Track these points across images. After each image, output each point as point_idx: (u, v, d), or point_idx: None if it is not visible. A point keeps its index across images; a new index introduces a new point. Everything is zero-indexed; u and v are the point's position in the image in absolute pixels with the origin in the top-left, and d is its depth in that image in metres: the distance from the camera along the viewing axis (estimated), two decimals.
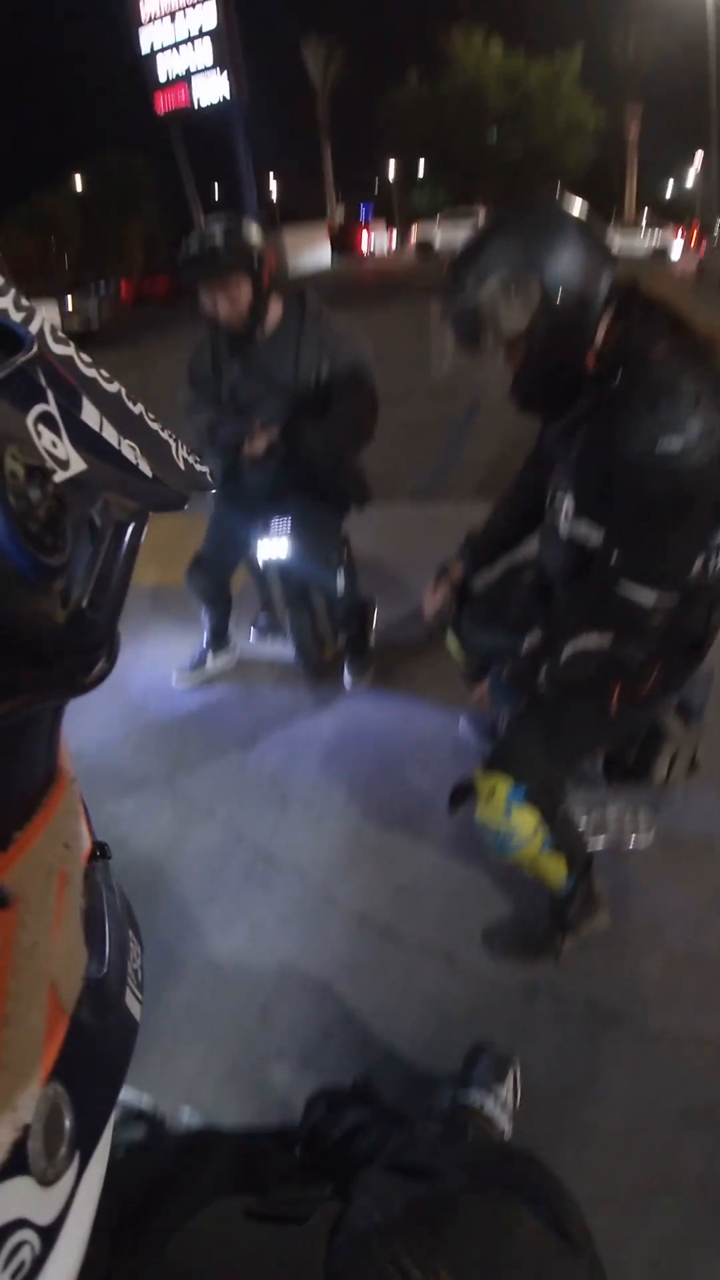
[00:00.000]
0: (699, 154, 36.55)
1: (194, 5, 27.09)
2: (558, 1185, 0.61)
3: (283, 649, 2.94)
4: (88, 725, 2.93)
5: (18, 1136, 0.25)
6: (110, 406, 0.38)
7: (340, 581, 2.58)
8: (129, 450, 0.37)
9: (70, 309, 16.16)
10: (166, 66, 28.51)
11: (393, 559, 3.73)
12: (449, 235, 26.06)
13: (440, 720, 2.61)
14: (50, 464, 0.27)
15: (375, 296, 15.78)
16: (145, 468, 0.39)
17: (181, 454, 0.47)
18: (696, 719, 1.80)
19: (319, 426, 2.28)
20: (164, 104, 29.17)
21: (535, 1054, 1.60)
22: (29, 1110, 0.26)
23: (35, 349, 0.29)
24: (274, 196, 43.98)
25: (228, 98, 28.25)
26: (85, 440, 0.32)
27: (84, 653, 0.28)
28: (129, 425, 0.39)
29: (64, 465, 0.29)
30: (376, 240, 32.76)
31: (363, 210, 43.25)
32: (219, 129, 30.82)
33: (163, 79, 28.82)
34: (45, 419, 0.28)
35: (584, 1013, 1.69)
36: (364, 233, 31.53)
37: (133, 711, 2.95)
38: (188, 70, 28.27)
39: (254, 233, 2.18)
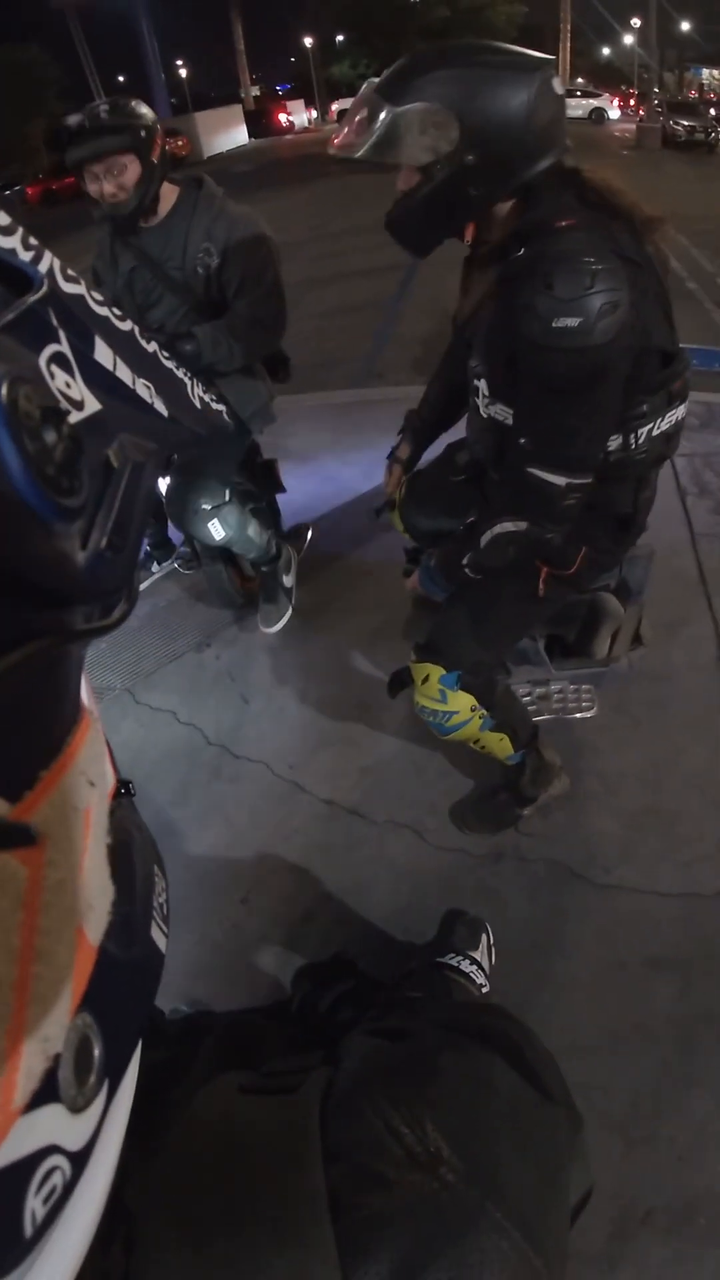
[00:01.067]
0: (636, 19, 34.23)
1: None
2: (530, 1037, 0.63)
3: None
4: None
5: (49, 1065, 0.26)
6: (123, 345, 0.37)
7: (221, 531, 2.29)
8: (144, 389, 0.38)
9: None
10: None
11: (331, 450, 3.63)
12: None
13: (381, 618, 2.61)
14: (65, 405, 0.27)
15: (297, 173, 14.96)
16: (160, 407, 0.39)
17: (197, 393, 0.47)
18: (636, 597, 1.81)
19: (203, 329, 2.08)
20: None
21: (505, 914, 1.68)
22: (59, 1040, 0.26)
23: (46, 288, 0.28)
24: (184, 78, 40.77)
25: None
26: (99, 380, 0.31)
27: (104, 594, 0.29)
28: (142, 364, 0.38)
29: (79, 406, 0.29)
30: (295, 118, 30.76)
31: (279, 90, 40.43)
32: (119, 11, 28.43)
33: None
34: (58, 359, 0.28)
35: (547, 873, 1.77)
36: (281, 113, 29.54)
37: None
38: None
39: (140, 107, 2.00)
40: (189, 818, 2.09)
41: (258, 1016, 0.95)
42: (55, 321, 0.29)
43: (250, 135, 27.06)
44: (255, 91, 38.21)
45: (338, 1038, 0.63)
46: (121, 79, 41.27)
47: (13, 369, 0.24)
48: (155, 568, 2.99)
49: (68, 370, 0.29)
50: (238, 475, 2.44)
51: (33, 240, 0.33)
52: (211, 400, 0.45)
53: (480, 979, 1.50)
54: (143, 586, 2.96)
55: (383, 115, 1.18)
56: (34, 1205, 0.25)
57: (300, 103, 35.51)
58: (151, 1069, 0.56)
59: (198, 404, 0.45)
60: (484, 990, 1.50)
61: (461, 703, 1.58)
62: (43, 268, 0.33)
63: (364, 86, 1.27)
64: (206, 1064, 0.60)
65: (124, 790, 0.39)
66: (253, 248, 2.11)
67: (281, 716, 2.32)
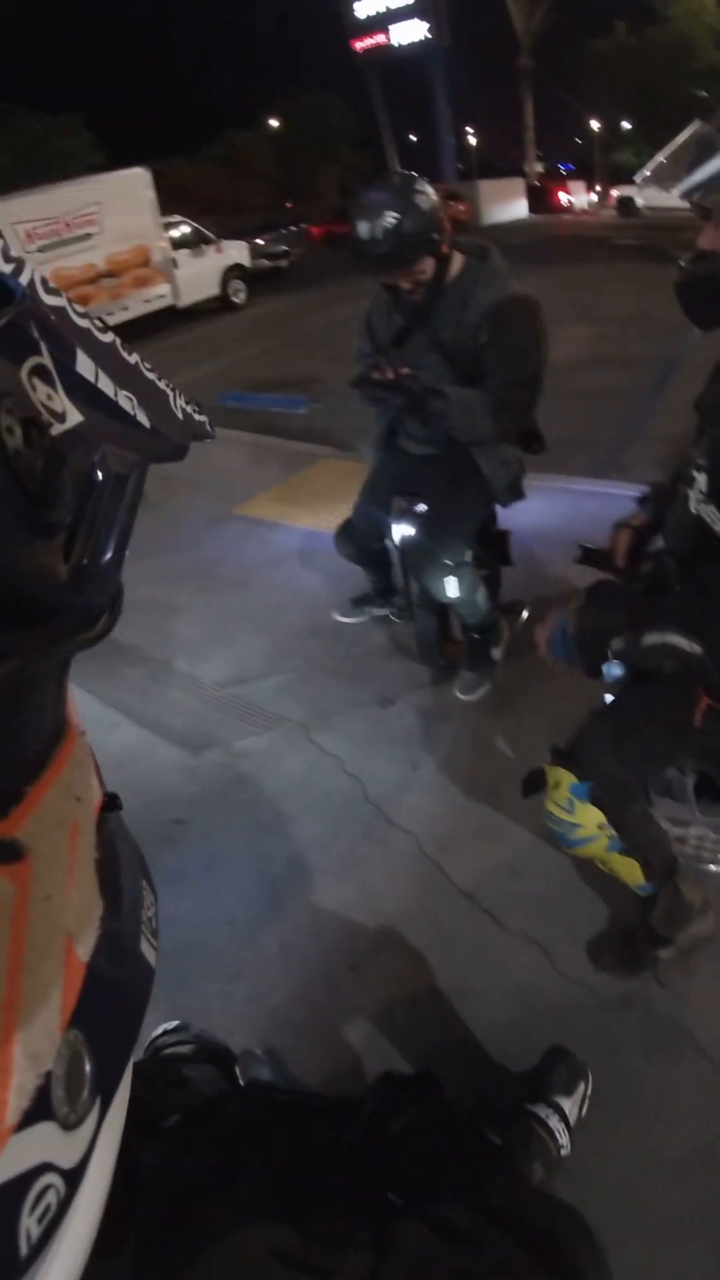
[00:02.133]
0: None
1: None
2: (598, 1256, 0.61)
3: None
4: (235, 656, 3.02)
5: (40, 1083, 0.26)
6: (105, 357, 0.37)
7: (456, 590, 2.33)
8: (126, 401, 0.37)
9: (259, 249, 16.31)
10: (364, 7, 28.49)
11: (557, 536, 3.52)
12: (654, 195, 24.57)
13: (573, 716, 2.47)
14: (46, 417, 0.28)
15: (569, 252, 15.11)
16: (143, 418, 0.39)
17: (180, 403, 0.47)
18: None
19: (458, 392, 2.11)
20: (362, 45, 29.15)
21: (612, 1067, 1.58)
22: (50, 1056, 0.26)
23: (27, 300, 0.28)
24: (472, 145, 42.68)
25: (428, 37, 27.76)
26: (81, 392, 0.32)
27: (87, 607, 0.29)
28: (125, 376, 0.39)
29: (60, 418, 0.29)
30: (575, 199, 31.29)
31: (562, 169, 41.44)
32: (417, 74, 30.40)
33: (361, 17, 28.78)
34: (39, 371, 0.28)
35: (671, 1036, 1.64)
36: (561, 192, 30.19)
37: (281, 650, 3.06)
38: (387, 9, 28.11)
39: (426, 200, 1.97)
40: (325, 867, 2.11)
41: (322, 1125, 0.93)
42: (37, 334, 0.29)
43: (529, 209, 27.83)
44: (539, 167, 39.28)
45: (400, 1170, 0.64)
46: (413, 138, 43.74)
47: None
48: (371, 610, 3.02)
49: (49, 383, 0.29)
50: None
51: (13, 252, 0.32)
52: (194, 411, 0.45)
53: (564, 1139, 1.42)
54: (349, 620, 3.02)
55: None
56: (29, 1224, 0.25)
57: (581, 184, 36.12)
58: (197, 1178, 0.52)
59: (180, 414, 0.43)
60: (564, 1152, 1.41)
61: (589, 817, 1.49)
62: (24, 280, 0.32)
63: (693, 125, 1.20)
64: (246, 1204, 0.57)
65: (110, 804, 0.38)
66: (522, 335, 2.11)
67: (445, 792, 2.29)
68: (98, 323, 0.39)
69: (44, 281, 0.34)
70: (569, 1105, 1.45)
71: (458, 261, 2.15)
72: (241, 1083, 0.97)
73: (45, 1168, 0.26)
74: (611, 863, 1.60)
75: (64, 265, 10.64)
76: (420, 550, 2.33)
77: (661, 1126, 1.50)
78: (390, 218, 1.93)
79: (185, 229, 12.98)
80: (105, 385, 0.35)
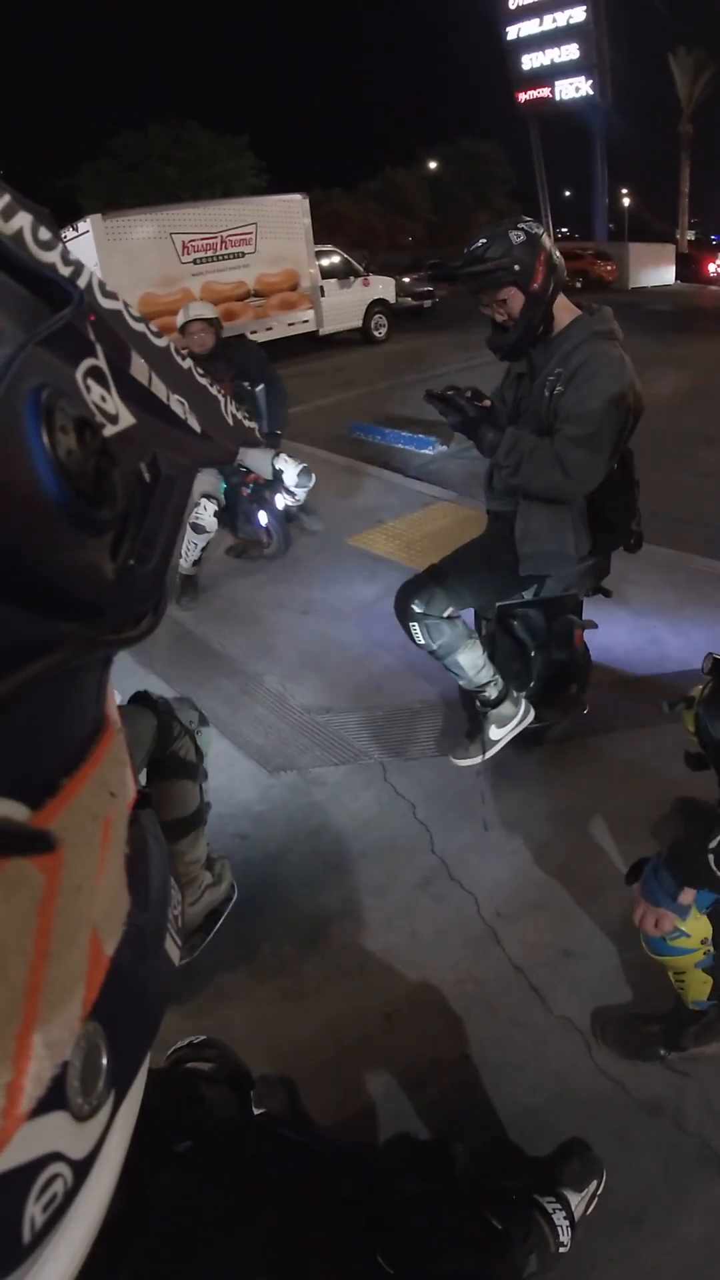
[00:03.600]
0: None
1: (563, 3, 27.00)
2: None
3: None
4: (325, 684, 3.09)
5: (57, 1072, 0.26)
6: (159, 361, 0.38)
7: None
8: (178, 405, 0.38)
9: (405, 286, 16.61)
10: (531, 60, 28.77)
11: (668, 614, 3.49)
12: None
13: (649, 806, 2.42)
14: (99, 418, 0.28)
15: (712, 325, 14.83)
16: (194, 422, 0.39)
17: (230, 410, 0.47)
18: None
19: (516, 432, 2.13)
20: (525, 97, 29.40)
21: (629, 1172, 1.54)
22: (68, 1046, 0.27)
23: (83, 303, 0.29)
24: (625, 207, 42.54)
25: (591, 94, 27.81)
26: (134, 395, 0.33)
27: (131, 606, 0.29)
28: (177, 380, 0.39)
29: (113, 420, 0.29)
30: None
31: (715, 239, 40.80)
32: (577, 131, 30.45)
33: (526, 69, 29.07)
34: (94, 373, 0.28)
35: (696, 1154, 1.58)
36: (711, 263, 29.71)
37: (372, 685, 3.11)
38: (553, 63, 28.33)
39: (519, 236, 2.06)
40: (378, 910, 2.12)
41: (327, 1176, 0.92)
42: (92, 336, 0.30)
43: (677, 276, 27.48)
44: (690, 235, 38.80)
45: (396, 1239, 0.65)
46: (567, 194, 43.93)
47: (49, 382, 0.25)
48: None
49: (103, 384, 0.29)
50: (538, 614, 2.43)
51: (72, 256, 0.33)
52: (244, 417, 0.46)
53: (564, 1235, 1.38)
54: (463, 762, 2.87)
55: None
56: (33, 1212, 0.25)
57: None
58: (201, 1216, 0.53)
59: (230, 420, 0.44)
60: (562, 1250, 1.37)
61: (699, 928, 1.44)
62: (81, 283, 0.33)
63: None
64: (252, 1245, 0.58)
65: (144, 801, 0.39)
66: (592, 396, 2.08)
67: (512, 858, 2.28)
68: (152, 328, 0.40)
69: (101, 285, 0.35)
70: (577, 1201, 1.43)
71: (568, 314, 2.18)
72: (255, 1110, 0.98)
73: (55, 1157, 0.26)
74: (689, 977, 1.55)
75: (215, 280, 11.13)
76: (402, 589, 2.33)
77: (662, 1244, 1.45)
78: (480, 241, 2.09)
79: (335, 259, 13.38)
80: (158, 389, 0.36)
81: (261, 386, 4.24)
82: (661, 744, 2.59)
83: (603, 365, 2.08)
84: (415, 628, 2.30)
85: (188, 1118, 0.76)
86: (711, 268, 27.43)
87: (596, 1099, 1.66)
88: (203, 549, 4.03)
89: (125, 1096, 0.31)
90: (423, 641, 2.32)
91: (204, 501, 3.95)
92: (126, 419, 0.30)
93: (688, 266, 28.01)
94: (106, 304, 0.36)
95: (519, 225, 2.09)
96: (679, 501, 4.72)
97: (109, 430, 0.28)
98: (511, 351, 2.22)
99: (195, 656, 3.45)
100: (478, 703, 2.49)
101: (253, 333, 10.74)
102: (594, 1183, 1.47)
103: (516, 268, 2.05)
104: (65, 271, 0.32)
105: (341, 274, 13.31)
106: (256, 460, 4.12)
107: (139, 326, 0.39)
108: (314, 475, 4.25)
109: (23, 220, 0.29)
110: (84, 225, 9.81)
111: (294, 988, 1.91)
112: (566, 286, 2.14)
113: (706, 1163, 1.56)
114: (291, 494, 4.26)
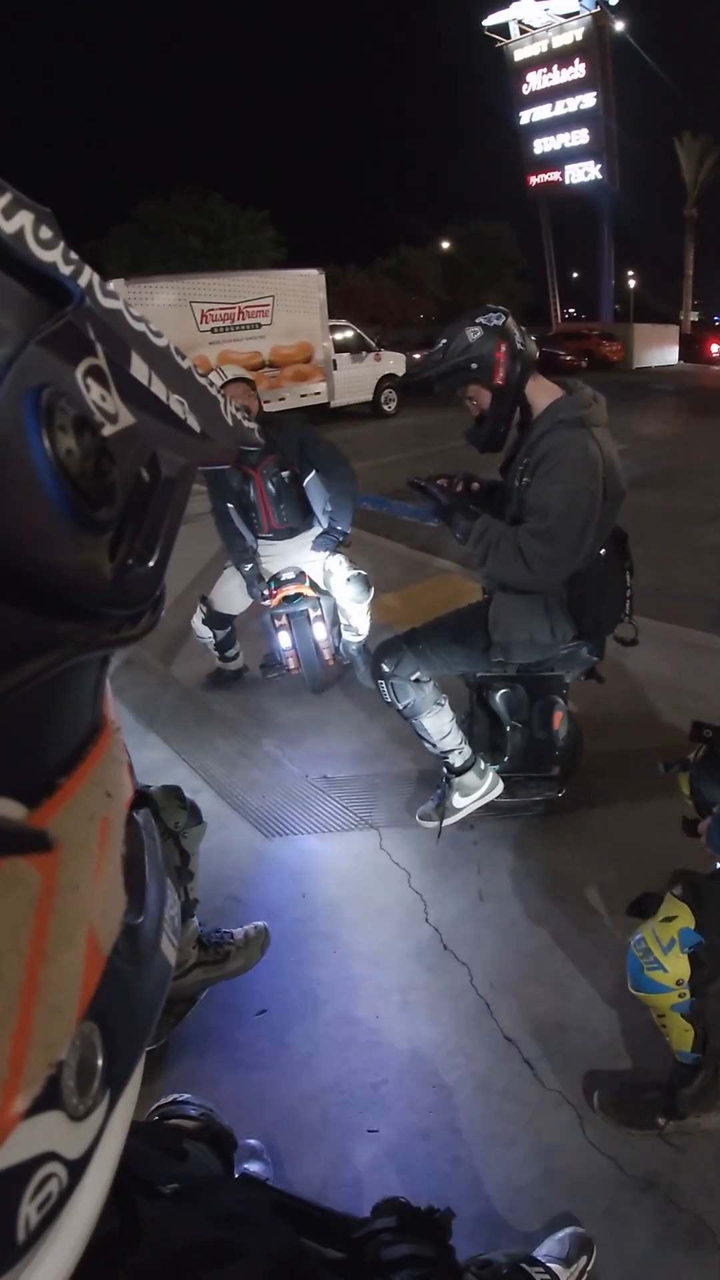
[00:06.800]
0: None
1: (574, 89, 28.03)
2: None
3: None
4: (326, 750, 3.13)
5: (51, 1072, 0.26)
6: (159, 361, 0.38)
7: (388, 696, 2.38)
8: (177, 405, 0.38)
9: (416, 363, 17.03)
10: (542, 144, 29.97)
11: (666, 687, 3.51)
12: None
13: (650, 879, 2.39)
14: (99, 417, 0.28)
15: (715, 405, 15.20)
16: (193, 422, 0.39)
17: (230, 410, 0.47)
18: None
19: (488, 521, 2.15)
20: (536, 180, 30.54)
21: (620, 1248, 1.51)
22: (64, 1046, 0.27)
23: (84, 302, 0.29)
24: (630, 288, 43.96)
25: (600, 178, 28.91)
26: (134, 394, 0.32)
27: (129, 606, 0.29)
28: (177, 380, 0.39)
29: (112, 419, 0.29)
30: None
31: (717, 320, 42.03)
32: (585, 214, 31.63)
33: (537, 153, 30.25)
34: (94, 372, 0.28)
35: (689, 1230, 1.54)
36: (714, 343, 30.58)
37: (372, 752, 3.12)
38: (563, 148, 29.49)
39: (475, 333, 2.07)
40: (370, 978, 2.10)
41: (311, 1235, 0.89)
42: (92, 335, 0.30)
43: (680, 357, 28.22)
44: (694, 316, 39.97)
45: None
46: (575, 275, 45.42)
47: (49, 381, 0.24)
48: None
49: (103, 384, 0.29)
50: (514, 693, 2.47)
51: (73, 255, 0.33)
52: (244, 417, 0.47)
53: None
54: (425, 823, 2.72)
55: None
56: (28, 1211, 0.25)
57: None
58: (191, 1247, 0.53)
59: (229, 420, 0.45)
60: None
61: (678, 967, 1.45)
62: (82, 282, 0.33)
63: None
64: None
65: (141, 801, 0.38)
66: (552, 487, 2.06)
67: (508, 930, 2.26)
68: (152, 328, 0.40)
69: (102, 285, 0.35)
70: (566, 1277, 1.40)
71: (544, 399, 2.15)
72: (235, 1174, 0.96)
73: (50, 1156, 0.26)
74: (669, 1020, 1.56)
75: (232, 349, 11.54)
76: (378, 647, 2.41)
77: None
78: (440, 343, 2.13)
79: (349, 333, 13.80)
80: (158, 388, 0.36)
81: (314, 474, 3.22)
82: (658, 816, 2.56)
83: (564, 457, 2.05)
84: (383, 686, 2.38)
85: (172, 1168, 0.75)
86: (715, 348, 28.19)
87: (589, 1174, 1.63)
88: (214, 646, 3.59)
89: (120, 1097, 0.31)
90: (389, 700, 2.39)
91: (199, 607, 3.51)
92: (126, 418, 0.30)
93: (691, 347, 28.80)
94: (107, 303, 0.36)
95: (477, 320, 2.10)
96: (677, 577, 4.81)
97: (108, 430, 0.29)
98: (488, 444, 2.24)
99: (195, 718, 3.48)
100: (443, 768, 2.52)
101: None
102: (585, 1259, 1.45)
103: (474, 365, 2.09)
104: (66, 271, 0.32)
105: (354, 348, 13.72)
106: (305, 558, 3.43)
107: (139, 326, 0.39)
108: (372, 588, 3.48)
109: (24, 219, 0.30)
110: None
111: (279, 1054, 1.88)
112: (537, 367, 2.15)
113: (700, 1238, 1.53)
114: (338, 620, 3.51)
